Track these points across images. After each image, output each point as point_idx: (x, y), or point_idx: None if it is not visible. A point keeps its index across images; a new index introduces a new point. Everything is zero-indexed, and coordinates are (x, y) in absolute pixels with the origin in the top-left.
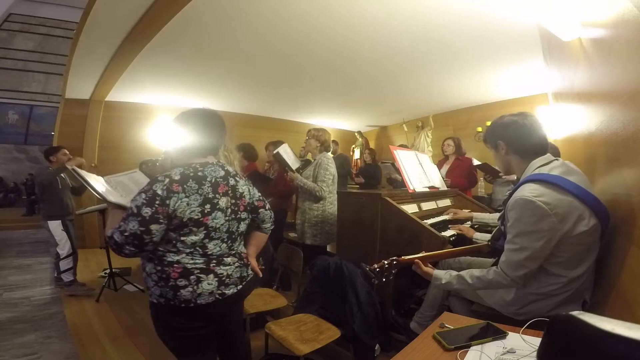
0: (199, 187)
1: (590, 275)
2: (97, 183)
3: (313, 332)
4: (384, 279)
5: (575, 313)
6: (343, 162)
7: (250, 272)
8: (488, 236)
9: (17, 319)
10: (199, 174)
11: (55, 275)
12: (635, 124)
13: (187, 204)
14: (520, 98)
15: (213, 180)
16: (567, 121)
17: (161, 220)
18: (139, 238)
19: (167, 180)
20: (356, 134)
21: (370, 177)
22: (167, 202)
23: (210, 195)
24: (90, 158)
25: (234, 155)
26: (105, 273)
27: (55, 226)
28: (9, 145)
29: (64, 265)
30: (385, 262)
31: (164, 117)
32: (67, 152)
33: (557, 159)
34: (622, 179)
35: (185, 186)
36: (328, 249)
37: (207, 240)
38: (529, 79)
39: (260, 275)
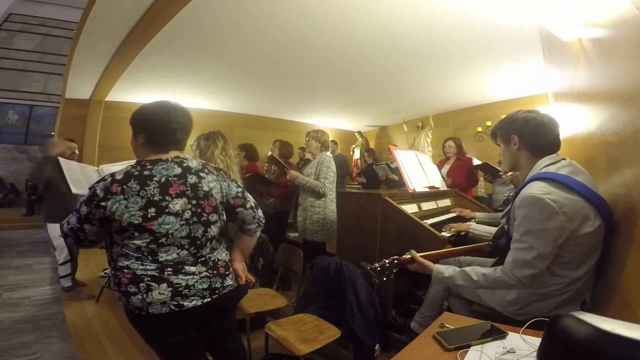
0: (140, 188)
1: (590, 275)
2: (75, 172)
3: (313, 332)
4: (384, 278)
5: (575, 313)
6: (342, 163)
7: (230, 282)
8: (486, 227)
9: (17, 319)
10: (145, 172)
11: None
12: (635, 124)
13: (126, 207)
14: (520, 98)
15: (162, 180)
16: (567, 121)
17: (94, 222)
18: (75, 233)
19: (109, 179)
20: (356, 134)
21: (372, 177)
22: (103, 204)
23: (156, 198)
24: (90, 158)
25: (233, 161)
26: (105, 273)
27: (54, 230)
28: (9, 145)
29: (62, 271)
30: (386, 261)
31: None
32: (65, 145)
33: (564, 159)
34: (622, 179)
35: (125, 187)
36: (328, 249)
37: (154, 246)
38: (529, 79)
39: (243, 280)
